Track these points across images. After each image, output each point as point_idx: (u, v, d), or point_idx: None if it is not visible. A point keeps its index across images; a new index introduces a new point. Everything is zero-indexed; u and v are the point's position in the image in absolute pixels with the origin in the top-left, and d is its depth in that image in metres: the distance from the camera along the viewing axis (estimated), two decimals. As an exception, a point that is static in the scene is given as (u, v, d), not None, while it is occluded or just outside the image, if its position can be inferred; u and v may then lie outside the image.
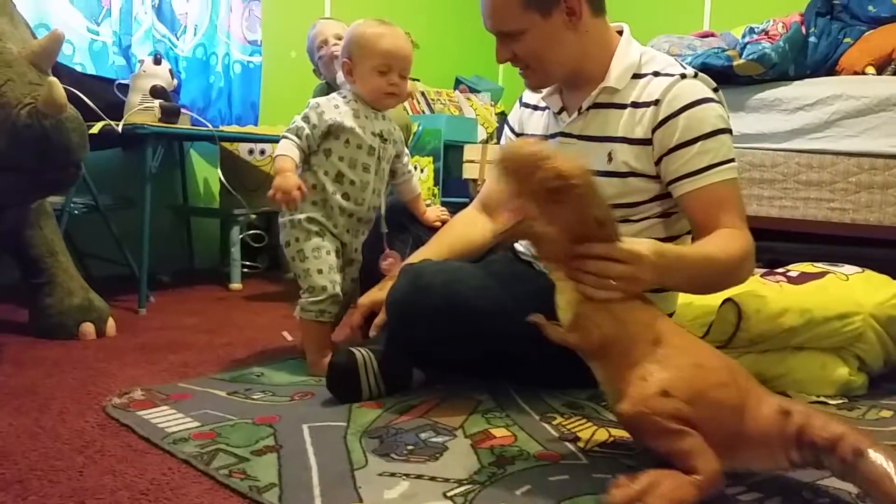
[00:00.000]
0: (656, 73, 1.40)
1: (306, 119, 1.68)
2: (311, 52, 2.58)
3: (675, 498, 0.95)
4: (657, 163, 1.38)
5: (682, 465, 0.98)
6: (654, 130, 1.37)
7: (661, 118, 1.36)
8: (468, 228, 1.67)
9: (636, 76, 1.42)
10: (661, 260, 1.14)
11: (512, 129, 1.68)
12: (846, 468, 0.95)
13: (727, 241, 1.30)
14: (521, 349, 1.35)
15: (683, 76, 1.37)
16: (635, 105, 1.39)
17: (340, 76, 2.29)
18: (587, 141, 1.45)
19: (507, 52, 1.44)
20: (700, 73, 1.41)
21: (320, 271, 1.65)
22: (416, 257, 1.57)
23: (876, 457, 0.93)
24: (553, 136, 1.52)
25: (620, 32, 1.48)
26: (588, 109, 1.45)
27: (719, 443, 0.99)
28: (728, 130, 1.36)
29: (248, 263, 2.82)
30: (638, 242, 1.13)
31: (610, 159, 1.40)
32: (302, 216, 1.66)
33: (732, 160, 1.35)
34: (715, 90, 1.40)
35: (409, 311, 1.38)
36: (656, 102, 1.36)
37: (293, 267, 1.71)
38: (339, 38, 2.43)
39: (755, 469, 1.06)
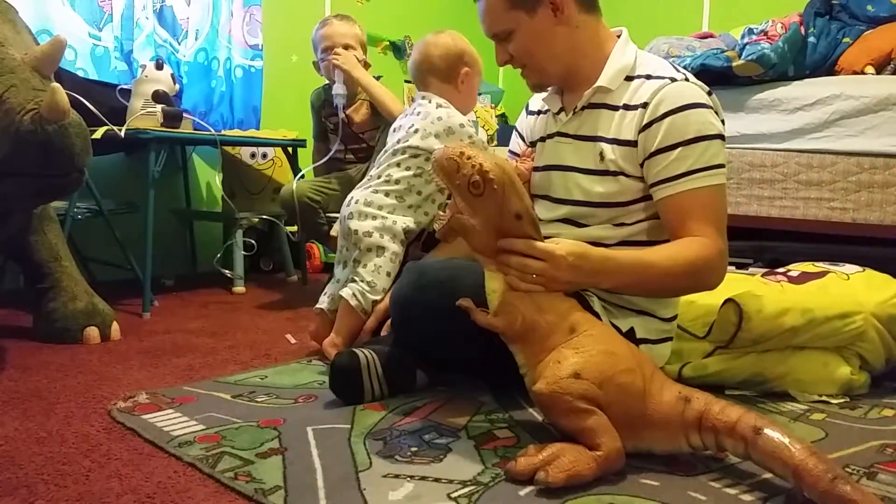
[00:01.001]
0: (648, 76, 1.40)
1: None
2: (315, 46, 2.58)
3: (573, 470, 1.04)
4: (641, 165, 1.39)
5: (587, 442, 1.08)
6: (639, 133, 1.37)
7: (646, 121, 1.36)
8: None
9: (629, 78, 1.42)
10: (581, 262, 1.19)
11: (521, 136, 1.69)
12: (746, 447, 1.04)
13: (680, 248, 1.31)
14: None
15: (674, 80, 1.37)
16: (626, 107, 1.40)
17: (340, 87, 2.33)
18: (581, 140, 1.46)
19: (504, 54, 1.48)
20: (692, 77, 1.41)
21: (388, 274, 1.73)
22: (433, 254, 1.61)
23: (772, 432, 1.02)
24: (551, 135, 1.53)
25: (620, 36, 1.49)
26: (582, 109, 1.46)
27: (623, 424, 1.09)
28: (716, 136, 1.35)
29: (228, 270, 2.83)
30: (558, 242, 1.20)
31: (601, 158, 1.41)
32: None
33: (717, 166, 1.34)
34: (708, 94, 1.40)
35: (411, 308, 1.41)
36: (644, 105, 1.37)
37: (365, 258, 1.75)
38: (347, 48, 2.44)
39: (657, 450, 1.14)
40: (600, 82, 1.42)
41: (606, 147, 1.41)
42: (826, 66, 2.86)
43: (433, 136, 1.76)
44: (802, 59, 2.85)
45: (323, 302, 1.86)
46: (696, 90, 1.37)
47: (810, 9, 2.96)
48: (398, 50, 4.12)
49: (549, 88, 1.55)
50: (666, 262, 1.29)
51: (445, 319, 1.30)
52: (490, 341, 1.28)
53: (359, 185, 1.87)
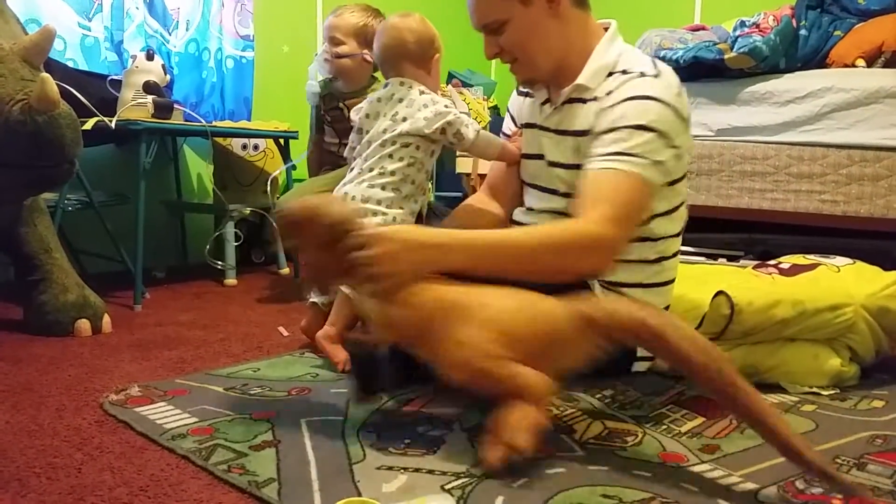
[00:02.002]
0: (623, 72, 1.39)
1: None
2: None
3: (525, 424, 1.07)
4: None
5: (515, 393, 1.10)
6: (594, 120, 1.36)
7: (602, 108, 1.35)
8: (478, 212, 1.69)
9: (611, 73, 1.41)
10: (414, 236, 1.19)
11: (512, 117, 1.69)
12: (652, 346, 1.14)
13: (550, 227, 1.27)
14: None
15: (643, 74, 1.35)
16: (595, 99, 1.40)
17: (312, 76, 2.31)
18: (561, 135, 1.46)
19: (494, 47, 1.45)
20: (669, 75, 1.38)
21: None
22: None
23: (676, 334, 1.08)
24: (534, 125, 1.54)
25: (608, 30, 1.48)
26: (563, 105, 1.46)
27: (537, 361, 1.12)
28: (657, 132, 1.29)
29: (219, 262, 2.82)
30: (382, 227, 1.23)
31: (577, 153, 1.42)
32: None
33: (647, 159, 1.27)
34: (678, 94, 1.35)
35: None
36: (608, 94, 1.36)
37: None
38: (336, 43, 2.40)
39: (575, 366, 1.17)
40: (580, 80, 1.42)
41: (581, 141, 1.41)
42: (817, 59, 2.88)
43: (422, 121, 1.73)
44: (794, 52, 2.86)
45: (316, 295, 1.85)
46: (658, 85, 1.34)
47: (802, 1, 2.97)
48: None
49: None
50: (524, 238, 1.25)
51: None
52: None
53: (349, 178, 1.84)
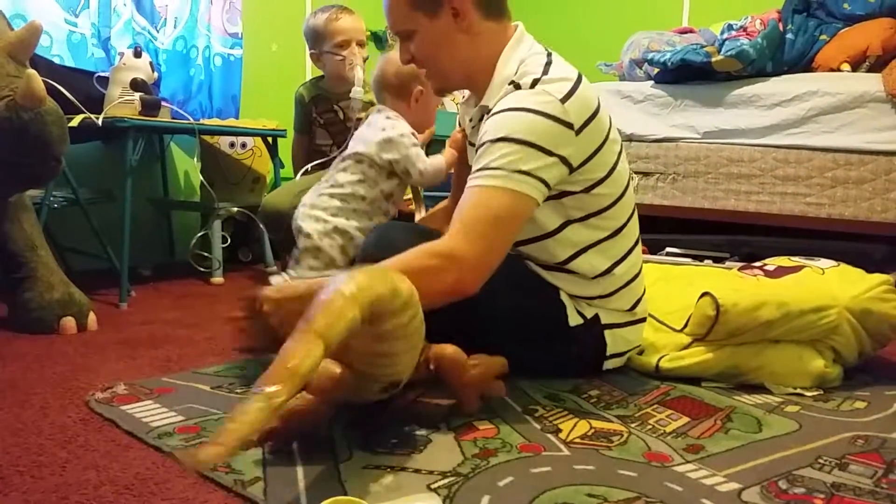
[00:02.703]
0: (513, 84, 1.38)
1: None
2: (319, 38, 2.47)
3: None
4: None
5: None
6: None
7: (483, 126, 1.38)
8: (449, 214, 1.70)
9: (513, 83, 1.39)
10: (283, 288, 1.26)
11: (460, 124, 1.72)
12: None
13: (413, 250, 1.25)
14: (489, 327, 1.39)
15: (519, 87, 1.35)
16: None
17: (358, 91, 2.30)
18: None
19: (406, 54, 1.48)
20: (548, 84, 1.34)
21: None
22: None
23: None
24: (466, 138, 1.58)
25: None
26: (480, 121, 1.47)
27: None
28: (523, 141, 1.28)
29: (206, 254, 2.81)
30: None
31: None
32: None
33: (516, 171, 1.27)
34: (563, 100, 1.32)
35: (375, 262, 1.40)
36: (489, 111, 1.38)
37: (303, 257, 1.79)
38: (362, 45, 2.41)
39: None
40: (484, 101, 1.43)
41: None
42: (803, 63, 2.91)
43: (374, 145, 1.80)
44: (780, 56, 2.88)
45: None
46: (532, 97, 1.32)
47: (788, 6, 3.00)
48: (379, 40, 4.10)
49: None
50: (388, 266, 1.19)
51: None
52: (457, 315, 1.27)
53: (312, 188, 1.90)
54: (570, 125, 1.33)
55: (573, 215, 1.44)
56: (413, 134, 1.83)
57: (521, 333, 1.45)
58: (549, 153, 1.31)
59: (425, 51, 1.44)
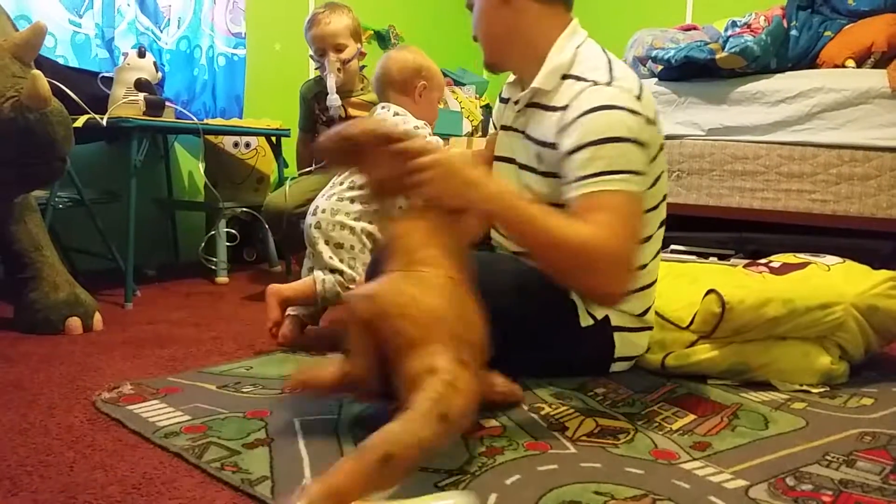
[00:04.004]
0: (578, 77, 1.38)
1: None
2: (308, 43, 2.52)
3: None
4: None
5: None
6: (557, 134, 1.36)
7: (563, 123, 1.35)
8: None
9: (566, 76, 1.40)
10: (462, 173, 1.21)
11: (495, 125, 1.70)
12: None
13: (577, 224, 1.25)
14: (500, 326, 1.37)
15: (596, 83, 1.35)
16: (554, 109, 1.40)
17: (334, 99, 2.33)
18: (526, 138, 1.48)
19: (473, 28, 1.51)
20: (625, 79, 1.36)
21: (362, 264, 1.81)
22: None
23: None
24: (507, 127, 1.55)
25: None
26: (526, 107, 1.47)
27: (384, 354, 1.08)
28: (628, 139, 1.29)
29: (212, 258, 2.82)
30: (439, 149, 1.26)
31: (540, 160, 1.42)
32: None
33: (628, 172, 1.28)
34: (638, 97, 1.35)
35: None
36: (565, 108, 1.36)
37: (338, 253, 1.80)
38: (340, 49, 2.40)
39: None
40: (535, 83, 1.43)
41: (543, 150, 1.42)
42: (808, 60, 2.90)
43: None
44: (785, 53, 2.88)
45: (296, 308, 1.89)
46: (616, 93, 1.33)
47: (793, 2, 2.99)
48: (383, 39, 4.10)
49: (512, 77, 1.56)
50: (552, 224, 1.24)
51: None
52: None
53: (322, 193, 1.89)
54: (651, 120, 1.37)
55: None
56: (425, 125, 1.84)
57: (532, 332, 1.45)
58: (647, 149, 1.34)
59: (475, 21, 1.47)
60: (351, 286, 1.76)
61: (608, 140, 1.28)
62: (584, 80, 1.37)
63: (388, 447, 0.87)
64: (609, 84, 1.35)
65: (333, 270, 1.79)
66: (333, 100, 2.37)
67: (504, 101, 1.64)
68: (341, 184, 1.84)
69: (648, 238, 1.50)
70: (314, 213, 1.83)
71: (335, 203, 1.81)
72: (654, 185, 1.43)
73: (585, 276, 1.27)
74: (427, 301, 1.09)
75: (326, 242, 1.79)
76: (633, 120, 1.31)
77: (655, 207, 1.48)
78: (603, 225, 1.24)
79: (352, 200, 1.80)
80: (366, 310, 1.10)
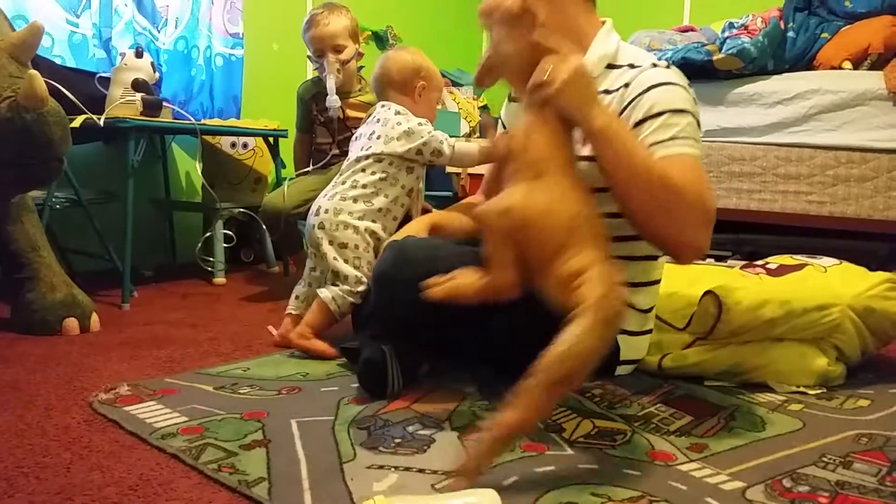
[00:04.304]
0: (631, 66, 1.41)
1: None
2: (306, 44, 2.51)
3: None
4: None
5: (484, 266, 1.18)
6: (622, 112, 1.37)
7: (627, 100, 1.37)
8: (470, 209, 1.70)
9: (611, 66, 1.43)
10: (590, 87, 1.25)
11: (504, 125, 1.70)
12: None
13: (675, 169, 1.26)
14: (500, 326, 1.37)
15: (655, 65, 1.39)
16: (606, 92, 1.40)
17: (333, 100, 2.33)
18: None
19: None
20: (674, 68, 1.42)
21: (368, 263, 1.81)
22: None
23: None
24: None
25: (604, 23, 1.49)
26: None
27: (526, 263, 1.15)
28: (694, 115, 1.35)
29: (209, 258, 2.82)
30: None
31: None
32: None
33: (697, 141, 1.34)
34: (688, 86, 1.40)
35: (392, 286, 1.41)
36: (626, 86, 1.38)
37: (342, 254, 1.79)
38: (338, 50, 2.41)
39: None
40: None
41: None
42: (805, 61, 2.90)
43: (395, 140, 1.80)
44: (782, 54, 2.88)
45: (294, 305, 1.89)
46: (674, 74, 1.38)
47: (790, 4, 3.00)
48: (380, 40, 4.10)
49: None
50: (655, 163, 1.26)
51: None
52: (472, 320, 1.28)
53: (323, 193, 1.88)
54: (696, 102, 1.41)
55: None
56: (427, 123, 1.84)
57: (539, 337, 1.42)
58: (699, 124, 1.38)
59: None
60: (357, 289, 1.76)
61: (678, 111, 1.33)
62: (638, 66, 1.40)
63: (565, 365, 1.00)
64: (668, 68, 1.40)
65: (335, 283, 1.78)
66: (333, 101, 2.37)
67: (514, 100, 1.64)
68: (343, 183, 1.83)
69: None
70: (317, 214, 1.82)
71: (338, 203, 1.80)
72: None
73: (676, 222, 1.27)
74: (565, 207, 1.16)
75: (331, 243, 1.78)
76: (691, 98, 1.37)
77: None
78: (694, 181, 1.27)
79: (354, 200, 1.79)
80: (506, 223, 1.15)
